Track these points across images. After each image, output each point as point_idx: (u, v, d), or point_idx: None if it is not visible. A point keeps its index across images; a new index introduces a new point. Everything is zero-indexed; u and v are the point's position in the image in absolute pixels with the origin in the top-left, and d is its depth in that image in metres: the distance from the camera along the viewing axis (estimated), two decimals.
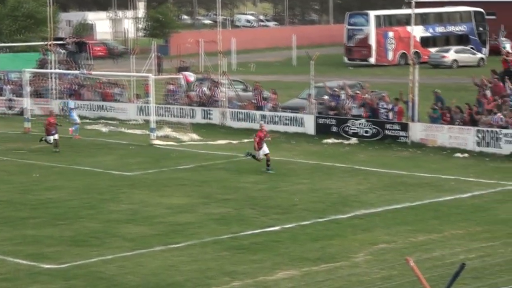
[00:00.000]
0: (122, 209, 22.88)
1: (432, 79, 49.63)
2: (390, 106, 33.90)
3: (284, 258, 18.03)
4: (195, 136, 35.38)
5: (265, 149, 27.82)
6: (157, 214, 22.29)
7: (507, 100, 31.94)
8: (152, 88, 35.80)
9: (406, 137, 32.71)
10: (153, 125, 34.73)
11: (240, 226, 20.86)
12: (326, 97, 36.20)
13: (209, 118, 38.82)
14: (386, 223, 20.93)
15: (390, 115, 33.70)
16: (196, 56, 58.54)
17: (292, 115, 36.32)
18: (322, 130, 34.99)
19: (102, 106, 41.87)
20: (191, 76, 42.09)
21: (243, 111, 37.91)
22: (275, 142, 34.15)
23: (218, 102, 38.87)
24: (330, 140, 33.84)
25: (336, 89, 36.65)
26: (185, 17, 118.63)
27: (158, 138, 34.64)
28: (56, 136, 32.13)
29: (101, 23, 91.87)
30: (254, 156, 28.02)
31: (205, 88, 40.19)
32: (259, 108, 37.66)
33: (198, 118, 38.91)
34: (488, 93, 33.05)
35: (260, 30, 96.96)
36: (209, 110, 38.95)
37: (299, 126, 35.86)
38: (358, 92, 36.09)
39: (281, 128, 36.19)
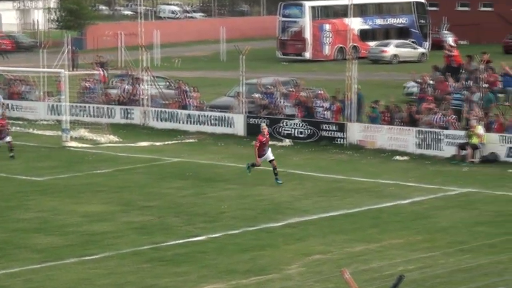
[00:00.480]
0: (31, 218, 22.56)
1: (371, 75, 50.32)
2: (327, 105, 34.22)
3: (210, 271, 18.04)
4: (113, 137, 35.12)
5: (269, 155, 26.33)
6: (70, 223, 22.06)
7: (449, 98, 32.51)
8: (66, 85, 35.38)
9: (343, 138, 33.08)
10: (66, 125, 34.35)
11: (162, 235, 20.79)
12: (257, 95, 36.34)
13: (130, 118, 38.58)
14: (322, 231, 21.11)
15: (327, 114, 34.04)
16: (115, 50, 58.09)
17: (220, 114, 36.36)
18: (253, 131, 35.00)
19: (8, 105, 41.14)
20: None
21: (167, 110, 37.78)
22: (201, 144, 34.26)
23: (139, 100, 38.65)
24: None
25: (269, 87, 36.81)
26: (103, 7, 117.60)
27: (71, 139, 34.30)
28: (8, 139, 31.47)
29: (7, 14, 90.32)
30: (253, 164, 26.59)
31: (126, 86, 39.94)
32: (184, 107, 37.60)
33: (117, 118, 38.65)
34: (430, 91, 33.62)
35: (185, 22, 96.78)
36: (130, 109, 38.70)
37: (228, 126, 35.91)
38: (292, 89, 36.33)
39: (208, 128, 36.23)
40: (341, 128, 33.21)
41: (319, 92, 35.10)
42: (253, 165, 26.68)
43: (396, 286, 11.49)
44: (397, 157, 30.70)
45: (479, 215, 22.50)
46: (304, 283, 17.12)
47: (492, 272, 17.47)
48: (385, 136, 32.07)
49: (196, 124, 36.61)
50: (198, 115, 36.78)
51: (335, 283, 16.77)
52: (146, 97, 38.43)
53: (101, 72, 42.39)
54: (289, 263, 18.50)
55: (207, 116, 36.63)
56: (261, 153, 26.37)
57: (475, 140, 29.64)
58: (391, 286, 11.55)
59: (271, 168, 26.45)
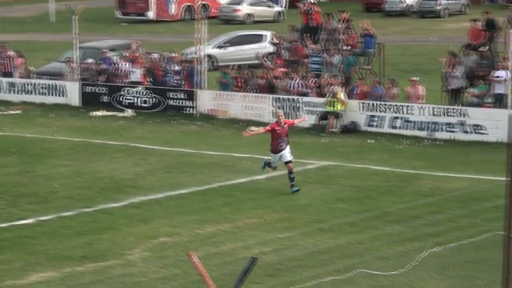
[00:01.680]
0: None
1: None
2: (178, 68, 34.12)
3: (39, 258, 17.91)
4: None
5: (286, 154, 22.91)
6: None
7: (307, 61, 33.11)
8: None
9: (192, 107, 33.25)
10: None
11: None
12: (91, 60, 36.05)
13: None
14: (168, 212, 21.27)
15: (180, 80, 33.97)
16: None
17: (50, 82, 36.05)
18: (90, 101, 34.85)
19: None
20: None
21: None
22: (28, 116, 33.73)
23: None
24: (99, 113, 33.85)
25: (106, 50, 36.54)
26: None
27: None
28: None
29: None
30: (269, 164, 23.46)
31: None
32: (7, 74, 36.90)
33: None
34: (285, 53, 34.11)
35: None
36: None
37: (60, 95, 35.60)
38: (136, 54, 36.12)
39: (36, 98, 35.91)
40: (190, 96, 33.34)
41: (174, 55, 35.01)
42: (269, 164, 23.53)
43: (248, 270, 11.71)
44: (253, 128, 31.03)
45: (339, 191, 23.13)
46: (148, 269, 17.21)
47: (352, 253, 18.06)
48: (238, 105, 32.42)
49: (21, 93, 36.06)
50: (23, 84, 36.22)
51: (183, 269, 16.94)
52: None
53: None
54: (131, 247, 18.55)
55: (35, 84, 36.12)
56: (275, 148, 22.98)
57: (339, 108, 30.37)
58: (243, 270, 11.76)
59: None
